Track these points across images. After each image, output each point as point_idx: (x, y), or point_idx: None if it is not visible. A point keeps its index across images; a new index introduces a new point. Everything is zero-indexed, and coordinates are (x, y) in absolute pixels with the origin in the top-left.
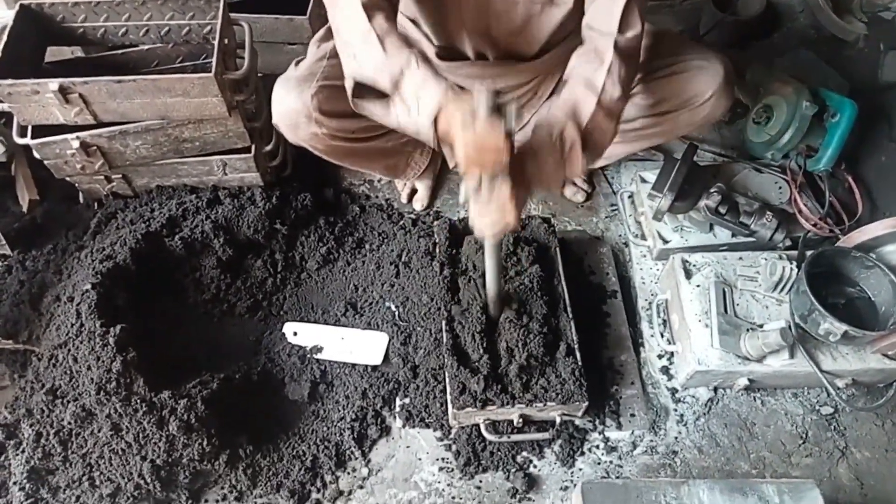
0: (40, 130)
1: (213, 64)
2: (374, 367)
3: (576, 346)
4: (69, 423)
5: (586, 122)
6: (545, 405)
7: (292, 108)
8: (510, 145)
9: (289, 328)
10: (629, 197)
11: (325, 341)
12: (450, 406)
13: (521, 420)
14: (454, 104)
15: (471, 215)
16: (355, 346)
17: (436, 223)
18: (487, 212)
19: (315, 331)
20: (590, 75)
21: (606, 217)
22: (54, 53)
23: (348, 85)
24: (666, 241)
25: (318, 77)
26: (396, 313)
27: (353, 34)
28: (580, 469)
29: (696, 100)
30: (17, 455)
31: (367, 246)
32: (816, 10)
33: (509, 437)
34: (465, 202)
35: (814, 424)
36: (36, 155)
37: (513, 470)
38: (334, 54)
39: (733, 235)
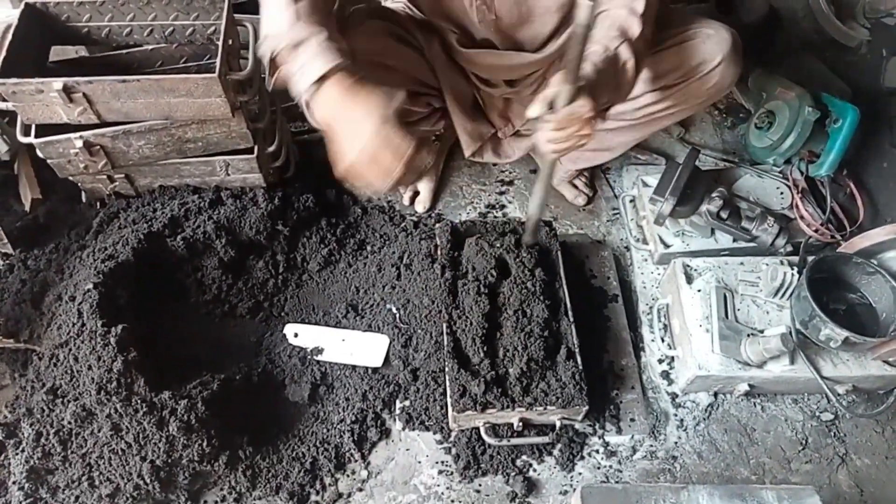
0: (44, 130)
1: (217, 64)
2: (375, 370)
3: (576, 350)
4: (69, 423)
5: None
6: (545, 409)
7: None
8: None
9: (289, 329)
10: (631, 201)
11: (326, 343)
12: (450, 409)
13: (521, 424)
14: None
15: (540, 134)
16: (356, 348)
17: (437, 225)
18: (562, 127)
19: (316, 332)
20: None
21: (608, 221)
22: (58, 53)
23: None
24: (667, 246)
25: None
26: (397, 315)
27: None
28: (580, 473)
29: (703, 67)
30: (17, 454)
31: (369, 248)
32: (819, 15)
33: (509, 441)
34: (537, 115)
35: (814, 431)
36: (39, 154)
37: (512, 474)
38: None
39: (735, 240)
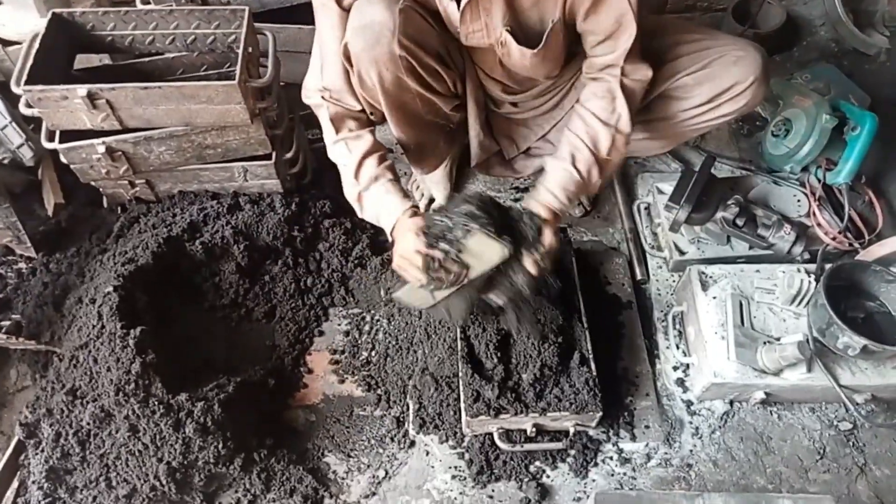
0: (67, 136)
1: (237, 72)
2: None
3: (590, 356)
4: (88, 424)
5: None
6: (559, 414)
7: (377, 20)
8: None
9: None
10: (646, 208)
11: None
12: (463, 414)
13: (534, 429)
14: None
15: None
16: None
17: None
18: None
19: None
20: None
21: (622, 228)
22: (83, 61)
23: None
24: (682, 253)
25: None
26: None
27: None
28: (593, 480)
29: (735, 88)
30: (37, 454)
31: (385, 254)
32: (837, 23)
33: (522, 447)
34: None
35: (832, 440)
36: (63, 159)
37: (526, 480)
38: None
39: (751, 248)
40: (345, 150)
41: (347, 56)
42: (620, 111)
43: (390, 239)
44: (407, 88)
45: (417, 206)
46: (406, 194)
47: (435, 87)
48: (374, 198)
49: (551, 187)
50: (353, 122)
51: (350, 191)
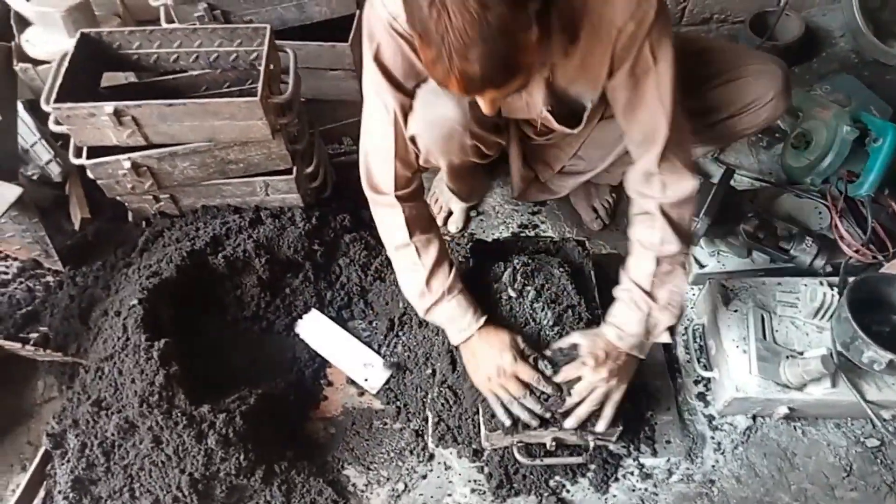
0: (94, 153)
1: (259, 88)
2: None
3: None
4: (112, 435)
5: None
6: (579, 429)
7: (449, 116)
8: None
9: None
10: None
11: (334, 345)
12: (482, 428)
13: (553, 444)
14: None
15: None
16: (361, 362)
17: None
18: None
19: (328, 329)
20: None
21: None
22: (110, 79)
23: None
24: (702, 266)
25: None
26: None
27: (395, 242)
28: (614, 496)
29: (756, 104)
30: (63, 464)
31: None
32: (857, 34)
33: (542, 461)
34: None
35: (858, 457)
36: (90, 175)
37: (545, 494)
38: None
39: (772, 261)
40: (414, 255)
41: (412, 139)
42: (664, 235)
43: (456, 347)
44: (473, 166)
45: (488, 317)
46: (477, 305)
47: (489, 153)
48: (446, 310)
49: (611, 318)
50: (424, 223)
51: (417, 299)
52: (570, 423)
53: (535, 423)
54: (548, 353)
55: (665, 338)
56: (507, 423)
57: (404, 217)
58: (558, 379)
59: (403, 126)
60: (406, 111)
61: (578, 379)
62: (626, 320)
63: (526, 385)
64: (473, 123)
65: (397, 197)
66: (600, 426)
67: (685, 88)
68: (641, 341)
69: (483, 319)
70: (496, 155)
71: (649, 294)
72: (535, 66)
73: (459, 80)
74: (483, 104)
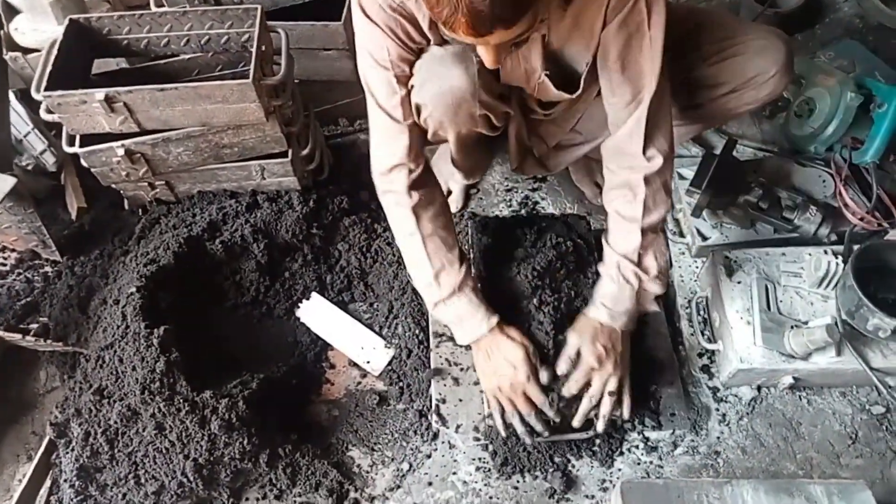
0: (87, 141)
1: (251, 70)
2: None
3: None
4: (115, 423)
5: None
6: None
7: (456, 86)
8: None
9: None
10: None
11: (337, 329)
12: (485, 405)
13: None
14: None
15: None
16: (363, 345)
17: (469, 222)
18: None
19: (331, 313)
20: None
21: None
22: (100, 66)
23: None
24: (705, 238)
25: (474, 54)
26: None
27: (402, 236)
28: (619, 469)
29: (759, 79)
30: (68, 453)
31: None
32: None
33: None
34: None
35: (864, 424)
36: (83, 163)
37: (550, 470)
38: None
39: (775, 231)
40: (421, 247)
41: (419, 112)
42: (648, 205)
43: (465, 345)
44: (478, 138)
45: (502, 319)
46: (488, 305)
47: (497, 124)
48: (456, 307)
49: (600, 298)
50: (434, 211)
51: (425, 292)
52: (577, 421)
53: (528, 439)
54: (560, 374)
55: (654, 307)
56: (503, 433)
57: (412, 203)
58: (566, 392)
59: (408, 99)
60: (407, 80)
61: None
62: (616, 298)
63: (533, 405)
64: (482, 91)
65: (407, 186)
66: (626, 413)
67: (686, 64)
68: (632, 316)
69: (495, 320)
70: (504, 126)
71: (639, 265)
72: (539, 7)
73: (467, 16)
74: (486, 55)
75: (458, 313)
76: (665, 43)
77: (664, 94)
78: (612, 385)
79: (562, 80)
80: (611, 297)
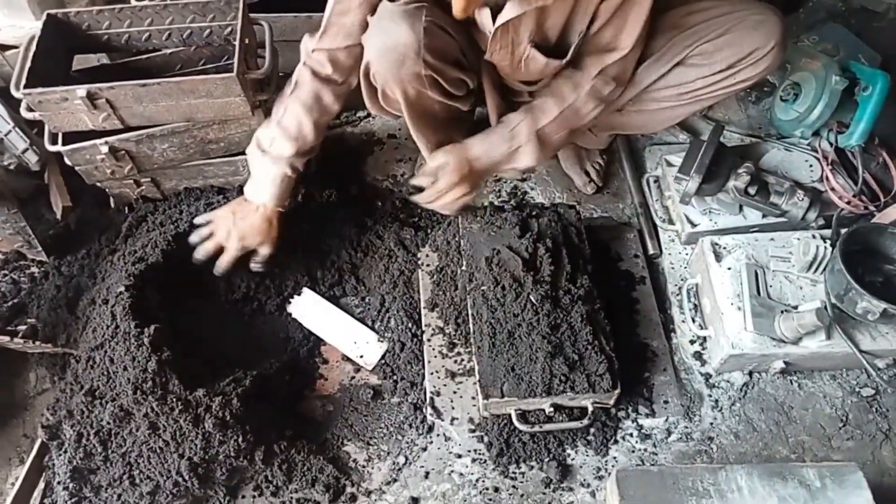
0: (70, 138)
1: (235, 64)
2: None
3: (607, 334)
4: (108, 423)
5: (541, 126)
6: (577, 394)
7: (401, 41)
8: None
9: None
10: (655, 181)
11: (329, 324)
12: (479, 397)
13: (552, 409)
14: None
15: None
16: (356, 340)
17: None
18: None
19: (322, 308)
20: (563, 89)
21: (632, 202)
22: (81, 62)
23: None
24: (694, 225)
25: (425, 12)
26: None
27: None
28: (614, 457)
29: (756, 54)
30: (60, 455)
31: (392, 241)
32: None
33: (541, 427)
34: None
35: (854, 407)
36: (67, 161)
37: (546, 460)
38: None
39: (764, 216)
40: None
41: (367, 73)
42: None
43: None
44: (429, 98)
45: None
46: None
47: (455, 93)
48: (263, 164)
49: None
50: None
51: (263, 130)
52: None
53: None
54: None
55: (512, 174)
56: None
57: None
58: (413, 181)
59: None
60: None
61: None
62: (494, 147)
63: None
64: (427, 53)
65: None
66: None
67: (684, 42)
68: (494, 165)
69: (273, 205)
70: (465, 100)
71: (539, 131)
72: None
73: None
74: (457, 1)
75: (264, 170)
76: (651, 12)
77: (631, 63)
78: (454, 193)
79: (549, 51)
80: (490, 144)
